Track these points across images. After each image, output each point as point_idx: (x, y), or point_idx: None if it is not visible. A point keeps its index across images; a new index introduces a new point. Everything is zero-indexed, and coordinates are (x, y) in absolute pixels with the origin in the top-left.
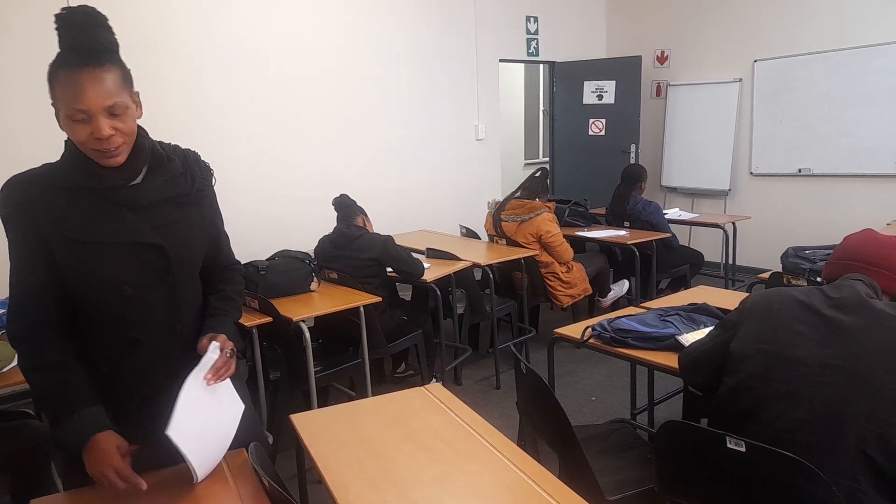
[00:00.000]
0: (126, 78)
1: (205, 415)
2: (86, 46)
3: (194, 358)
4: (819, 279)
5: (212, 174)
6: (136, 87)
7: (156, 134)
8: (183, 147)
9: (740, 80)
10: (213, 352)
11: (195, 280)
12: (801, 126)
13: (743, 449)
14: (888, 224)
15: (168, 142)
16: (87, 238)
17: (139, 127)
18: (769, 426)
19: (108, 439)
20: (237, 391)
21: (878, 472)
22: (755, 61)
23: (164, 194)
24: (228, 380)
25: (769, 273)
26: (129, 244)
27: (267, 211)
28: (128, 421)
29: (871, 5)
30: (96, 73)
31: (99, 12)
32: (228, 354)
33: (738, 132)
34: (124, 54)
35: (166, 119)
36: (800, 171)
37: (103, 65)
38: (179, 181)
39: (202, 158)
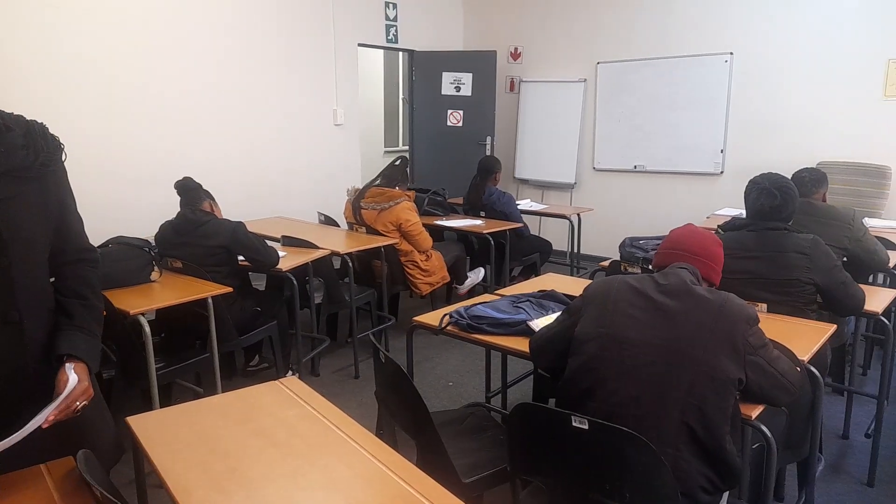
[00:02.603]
0: None
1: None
2: None
3: (35, 351)
4: (651, 267)
5: (61, 149)
6: None
7: None
8: (28, 118)
9: (585, 80)
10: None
11: (38, 264)
12: (635, 126)
13: (586, 426)
14: (707, 217)
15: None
16: None
17: None
18: (605, 403)
19: None
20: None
21: (697, 441)
22: (598, 63)
23: (0, 167)
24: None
25: (609, 261)
26: None
27: (99, 192)
28: None
29: (689, 20)
30: None
31: None
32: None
33: (582, 129)
34: None
35: None
36: (635, 167)
37: None
38: (19, 153)
39: (50, 131)
